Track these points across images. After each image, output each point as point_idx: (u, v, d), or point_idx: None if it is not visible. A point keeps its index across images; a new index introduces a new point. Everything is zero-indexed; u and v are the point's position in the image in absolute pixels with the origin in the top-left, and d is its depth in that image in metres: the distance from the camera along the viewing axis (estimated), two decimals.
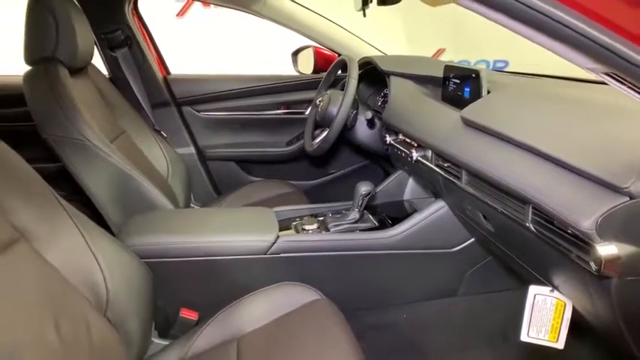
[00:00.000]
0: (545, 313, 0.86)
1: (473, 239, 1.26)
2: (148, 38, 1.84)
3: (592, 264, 0.61)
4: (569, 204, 0.64)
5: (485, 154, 0.87)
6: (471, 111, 0.98)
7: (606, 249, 0.59)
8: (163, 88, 1.86)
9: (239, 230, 1.23)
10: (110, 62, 1.76)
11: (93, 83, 1.52)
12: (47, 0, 1.31)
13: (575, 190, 0.64)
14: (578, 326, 0.89)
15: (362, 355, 0.91)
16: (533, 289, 0.85)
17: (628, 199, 0.58)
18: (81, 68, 1.44)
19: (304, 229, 1.31)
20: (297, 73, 2.09)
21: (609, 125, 0.73)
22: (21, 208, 0.80)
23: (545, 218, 0.71)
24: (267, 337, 1.02)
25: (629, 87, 0.51)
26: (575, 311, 0.83)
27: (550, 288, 0.83)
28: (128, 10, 1.70)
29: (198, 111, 1.96)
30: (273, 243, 1.20)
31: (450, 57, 3.72)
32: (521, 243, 0.86)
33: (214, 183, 2.02)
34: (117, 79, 1.77)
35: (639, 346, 0.72)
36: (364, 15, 1.19)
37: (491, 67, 3.54)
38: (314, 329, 1.00)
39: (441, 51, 3.88)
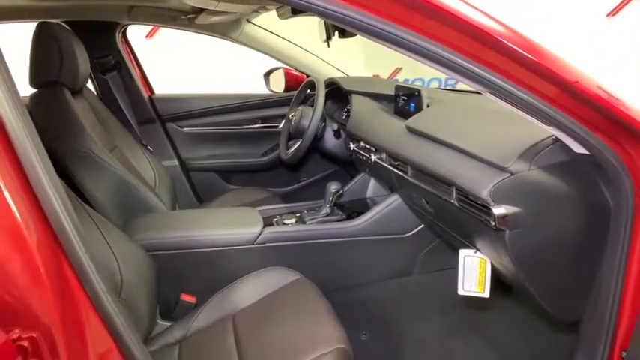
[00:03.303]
0: (473, 270, 1.13)
1: (422, 225, 1.54)
2: (134, 62, 2.05)
3: (491, 222, 0.89)
4: (474, 181, 0.92)
5: (423, 153, 1.15)
6: (413, 121, 1.27)
7: (498, 210, 0.87)
8: (149, 107, 2.06)
9: (229, 225, 1.45)
10: (101, 84, 1.95)
11: (88, 103, 1.71)
12: (52, 30, 1.50)
13: (478, 172, 0.93)
14: (504, 285, 1.16)
15: (339, 323, 1.10)
16: (462, 252, 1.12)
17: (510, 174, 0.87)
18: (80, 90, 1.63)
19: (284, 223, 1.54)
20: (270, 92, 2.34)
21: (501, 126, 1.03)
22: None
23: (464, 194, 0.99)
24: (257, 312, 1.22)
25: (503, 100, 0.80)
26: (500, 274, 1.09)
27: (474, 250, 1.11)
28: (118, 37, 1.91)
29: (181, 127, 2.16)
30: (259, 234, 1.42)
31: (406, 75, 4.09)
32: (452, 217, 1.14)
33: (197, 192, 2.22)
34: (107, 99, 1.96)
35: (540, 293, 0.99)
36: (328, 46, 1.47)
37: (443, 84, 3.94)
38: (297, 303, 1.21)
39: (397, 70, 4.26)
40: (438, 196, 1.11)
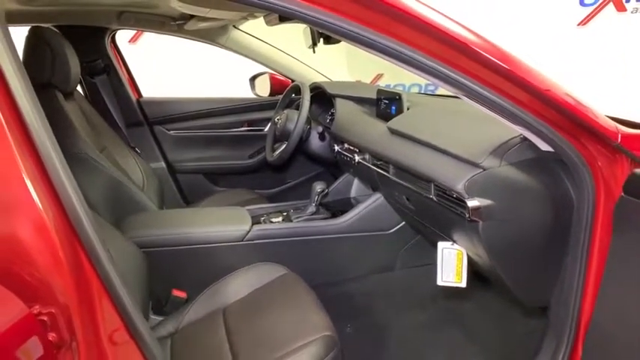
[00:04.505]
0: (451, 261, 1.21)
1: (403, 222, 1.62)
2: (123, 65, 2.08)
3: (466, 214, 0.97)
4: (450, 177, 1.00)
5: (404, 152, 1.23)
6: (394, 123, 1.35)
7: (472, 202, 0.95)
8: (137, 110, 2.09)
9: (219, 223, 1.50)
10: (90, 87, 1.98)
11: (78, 105, 1.74)
12: (44, 34, 1.53)
13: (454, 168, 1.01)
14: (481, 276, 1.24)
15: (326, 313, 1.15)
16: (440, 245, 1.20)
17: (482, 170, 0.96)
18: (71, 92, 1.66)
19: (271, 222, 1.60)
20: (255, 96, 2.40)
21: (474, 126, 1.12)
22: None
23: (441, 189, 1.07)
24: (247, 305, 1.27)
25: (477, 103, 0.88)
26: (476, 265, 1.17)
27: (451, 242, 1.19)
28: (107, 41, 1.94)
29: (169, 129, 2.20)
30: (248, 232, 1.48)
31: (388, 81, 4.21)
32: (430, 212, 1.22)
33: (183, 193, 2.25)
34: (95, 101, 1.99)
35: (511, 281, 1.07)
36: (314, 52, 1.55)
37: (422, 89, 4.07)
38: (285, 296, 1.27)
39: (379, 76, 4.37)
40: (418, 192, 1.19)
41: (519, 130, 0.94)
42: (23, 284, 0.53)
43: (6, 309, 0.50)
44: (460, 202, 1.00)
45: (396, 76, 4.24)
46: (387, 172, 1.35)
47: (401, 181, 1.28)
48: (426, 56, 0.78)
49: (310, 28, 1.43)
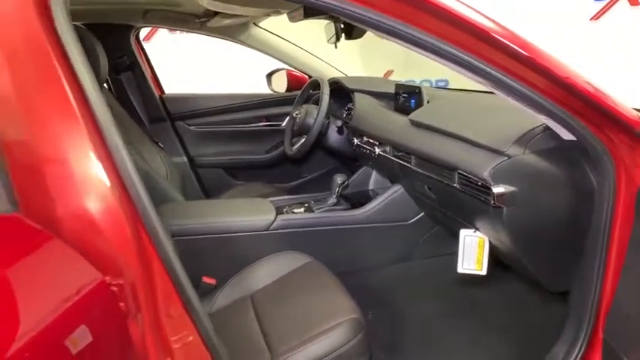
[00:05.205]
0: (472, 249, 1.25)
1: (422, 213, 1.65)
2: (146, 62, 2.14)
3: (492, 200, 1.01)
4: (476, 164, 1.04)
5: (427, 143, 1.27)
6: (416, 115, 1.39)
7: (497, 189, 0.99)
8: (160, 106, 2.15)
9: (245, 213, 1.55)
10: (115, 83, 2.04)
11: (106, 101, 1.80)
12: (76, 32, 1.58)
13: (479, 156, 1.05)
14: (500, 264, 1.27)
15: (352, 299, 1.19)
16: (463, 232, 1.24)
17: (507, 157, 1.00)
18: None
19: (294, 212, 1.65)
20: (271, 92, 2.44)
21: (495, 117, 1.16)
22: None
23: (465, 178, 1.11)
24: (274, 291, 1.32)
25: (502, 92, 0.92)
26: (497, 252, 1.20)
27: (474, 230, 1.23)
28: (132, 39, 2.00)
29: (190, 125, 2.26)
30: (273, 221, 1.53)
31: (398, 77, 4.24)
32: (453, 200, 1.26)
33: (204, 187, 2.31)
34: (120, 97, 2.05)
35: (533, 265, 1.11)
36: (335, 47, 1.59)
37: (433, 85, 4.10)
38: (310, 282, 1.31)
39: (389, 72, 4.41)
40: (441, 181, 1.23)
41: (542, 119, 0.98)
42: (96, 257, 0.58)
43: (85, 275, 0.56)
44: (485, 189, 1.03)
45: (407, 72, 4.27)
46: (409, 162, 1.39)
47: (423, 171, 1.32)
48: (458, 48, 0.82)
49: (335, 25, 1.47)
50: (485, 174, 1.00)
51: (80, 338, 0.53)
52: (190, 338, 0.72)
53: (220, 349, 0.74)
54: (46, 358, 0.49)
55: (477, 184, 1.07)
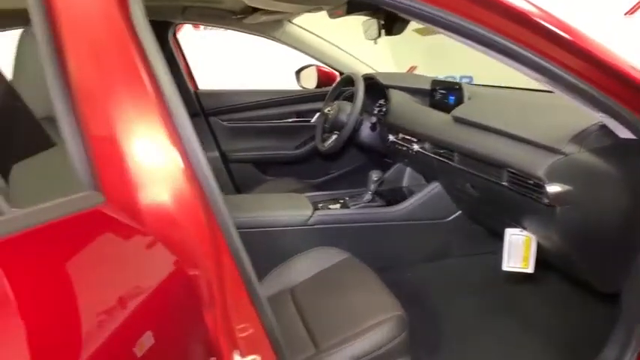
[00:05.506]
0: (518, 247, 1.23)
1: (459, 212, 1.64)
2: (183, 59, 2.17)
3: (545, 199, 0.99)
4: (530, 163, 1.03)
5: (472, 140, 1.26)
6: (460, 111, 1.38)
7: (552, 187, 0.97)
8: (195, 101, 2.18)
9: (283, 208, 1.57)
10: None
11: None
12: None
13: (533, 154, 1.04)
14: (546, 264, 1.25)
15: (395, 299, 1.19)
16: (508, 231, 1.23)
17: (563, 155, 0.98)
18: None
19: (329, 208, 1.65)
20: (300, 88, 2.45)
21: (546, 115, 1.14)
22: None
23: (516, 176, 1.10)
24: (314, 286, 1.32)
25: (560, 89, 0.90)
26: (543, 251, 1.19)
27: (520, 229, 1.21)
28: (170, 36, 2.02)
29: (223, 120, 2.28)
30: (311, 216, 1.54)
31: (422, 72, 4.21)
32: (499, 198, 1.24)
33: (235, 182, 2.33)
34: None
35: (584, 265, 1.09)
36: (375, 42, 1.58)
37: (458, 80, 4.05)
38: (351, 278, 1.31)
39: (413, 68, 4.37)
40: (487, 179, 1.22)
41: (599, 117, 0.96)
42: (175, 247, 0.60)
43: (167, 263, 0.57)
44: (537, 187, 1.02)
45: (430, 68, 4.23)
46: (451, 160, 1.38)
47: (466, 169, 1.31)
48: (530, 50, 0.81)
49: (377, 21, 1.46)
50: (541, 172, 0.98)
51: (162, 329, 0.55)
52: (252, 330, 0.73)
53: (282, 342, 0.75)
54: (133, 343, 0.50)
55: (528, 183, 1.06)
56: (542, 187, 1.00)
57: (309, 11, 1.55)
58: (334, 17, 1.54)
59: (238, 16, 1.82)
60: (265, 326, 0.74)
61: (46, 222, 0.45)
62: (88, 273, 0.47)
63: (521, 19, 0.79)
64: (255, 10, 1.68)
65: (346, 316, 1.16)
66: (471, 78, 3.93)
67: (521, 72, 0.89)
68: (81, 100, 0.60)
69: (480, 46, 0.83)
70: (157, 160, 0.62)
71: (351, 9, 1.37)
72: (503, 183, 1.15)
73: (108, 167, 0.58)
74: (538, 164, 1.00)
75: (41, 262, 0.43)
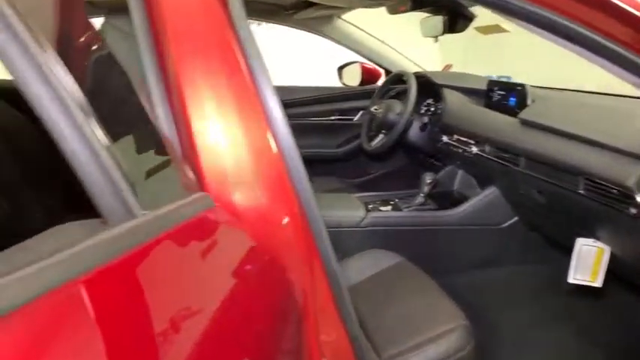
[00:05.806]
0: (588, 259, 1.17)
1: (516, 218, 1.58)
2: None
3: (632, 210, 0.93)
4: (616, 171, 0.96)
5: (545, 144, 1.20)
6: (528, 114, 1.31)
7: None
8: None
9: (335, 208, 1.53)
10: None
11: None
12: None
13: (619, 162, 0.97)
14: (615, 276, 1.18)
15: (457, 307, 1.14)
16: (580, 241, 1.16)
17: None
18: None
19: (380, 210, 1.61)
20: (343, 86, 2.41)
21: (626, 119, 1.06)
22: None
23: (596, 184, 1.03)
24: (369, 289, 1.28)
25: None
26: (614, 263, 1.12)
27: (593, 239, 1.15)
28: None
29: None
30: (364, 218, 1.50)
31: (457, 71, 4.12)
32: (571, 207, 1.18)
33: None
34: None
35: None
36: (436, 41, 1.54)
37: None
38: (407, 283, 1.27)
39: (448, 66, 4.28)
40: (559, 185, 1.15)
41: None
42: (275, 251, 0.57)
43: (279, 276, 0.55)
44: (624, 197, 0.96)
45: (466, 67, 4.13)
46: (517, 164, 1.32)
47: (534, 174, 1.25)
48: (621, 45, 0.75)
49: (442, 18, 1.41)
50: (630, 182, 0.92)
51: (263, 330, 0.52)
52: (336, 336, 0.71)
53: (366, 348, 0.73)
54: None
55: (611, 192, 0.99)
56: (630, 197, 0.93)
57: (366, 7, 1.51)
58: (394, 13, 1.50)
59: (289, 12, 1.79)
60: (350, 335, 0.71)
61: (172, 227, 0.43)
62: (212, 284, 0.45)
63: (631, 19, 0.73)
64: (308, 5, 1.65)
65: (408, 323, 1.12)
66: (509, 78, 3.82)
67: (620, 77, 0.83)
68: (179, 90, 0.58)
69: (585, 51, 0.78)
70: (256, 158, 0.60)
71: (416, 5, 1.33)
72: (580, 191, 1.08)
73: (210, 165, 0.56)
74: (627, 173, 0.94)
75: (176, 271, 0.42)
